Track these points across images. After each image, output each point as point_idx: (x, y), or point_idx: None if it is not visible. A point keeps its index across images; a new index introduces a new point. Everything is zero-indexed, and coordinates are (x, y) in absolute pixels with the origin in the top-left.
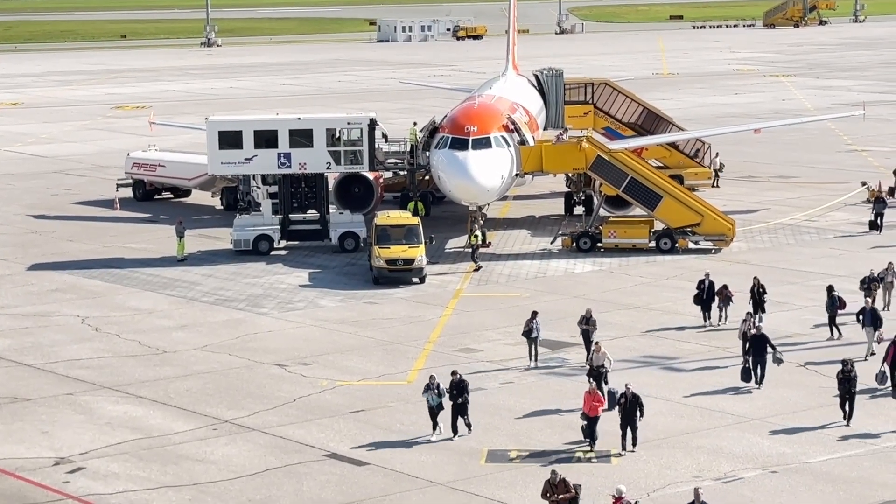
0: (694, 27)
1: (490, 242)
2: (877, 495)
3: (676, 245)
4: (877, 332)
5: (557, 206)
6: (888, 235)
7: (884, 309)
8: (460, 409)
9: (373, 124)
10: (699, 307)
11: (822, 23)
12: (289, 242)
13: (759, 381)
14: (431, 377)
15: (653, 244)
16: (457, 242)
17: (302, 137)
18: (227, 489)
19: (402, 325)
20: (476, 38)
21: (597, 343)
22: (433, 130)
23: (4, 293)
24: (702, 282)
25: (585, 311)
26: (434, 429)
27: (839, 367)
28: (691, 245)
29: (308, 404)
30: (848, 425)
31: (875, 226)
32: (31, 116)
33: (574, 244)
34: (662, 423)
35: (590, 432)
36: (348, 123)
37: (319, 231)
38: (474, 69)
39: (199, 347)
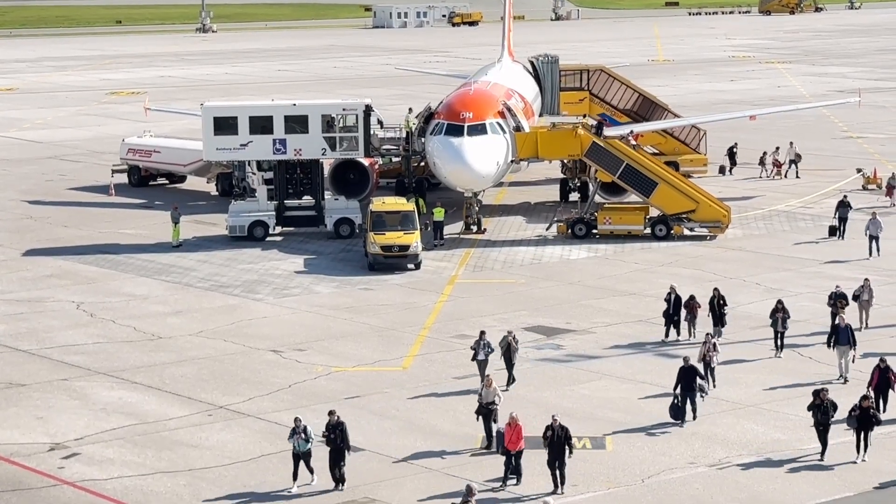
0: (689, 14)
1: (485, 229)
2: (870, 481)
3: (672, 232)
4: (852, 352)
5: (553, 193)
6: (846, 247)
7: (861, 328)
8: (339, 456)
9: (368, 110)
10: (665, 320)
11: (817, 9)
12: (284, 228)
13: (693, 416)
14: (297, 420)
15: (648, 231)
16: (452, 229)
17: (297, 123)
18: (222, 475)
19: (398, 312)
20: (471, 24)
21: (488, 377)
22: (428, 117)
23: None
24: (668, 294)
25: (507, 331)
26: (294, 478)
27: (815, 396)
28: (686, 232)
29: (303, 390)
30: (822, 460)
31: (835, 231)
32: (26, 102)
33: (569, 230)
34: (657, 409)
35: (514, 468)
36: (344, 109)
37: (315, 217)
38: (470, 55)
39: (194, 333)
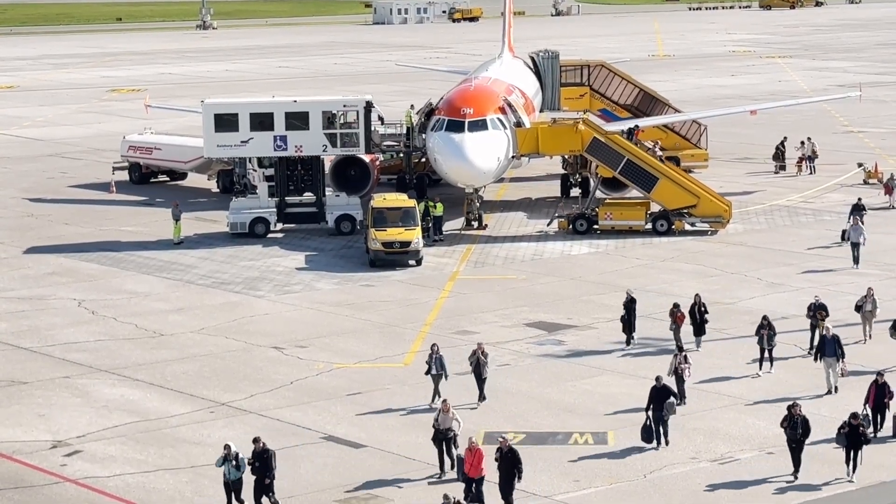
0: (690, 9)
1: (486, 225)
2: (873, 476)
3: (673, 227)
4: (840, 365)
5: (554, 189)
6: (827, 255)
7: (864, 340)
8: (264, 487)
9: (369, 107)
10: (622, 327)
11: (818, 4)
12: (285, 225)
13: (665, 440)
14: (227, 447)
15: (649, 226)
16: (453, 225)
17: (298, 120)
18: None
19: (399, 308)
20: (472, 20)
21: (444, 401)
22: (429, 112)
23: (1, 276)
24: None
25: (476, 345)
26: None
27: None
28: (688, 227)
29: (305, 387)
30: (796, 478)
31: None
32: (27, 100)
33: (570, 226)
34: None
35: (476, 496)
36: (344, 106)
37: (316, 214)
38: (470, 51)
39: (195, 330)
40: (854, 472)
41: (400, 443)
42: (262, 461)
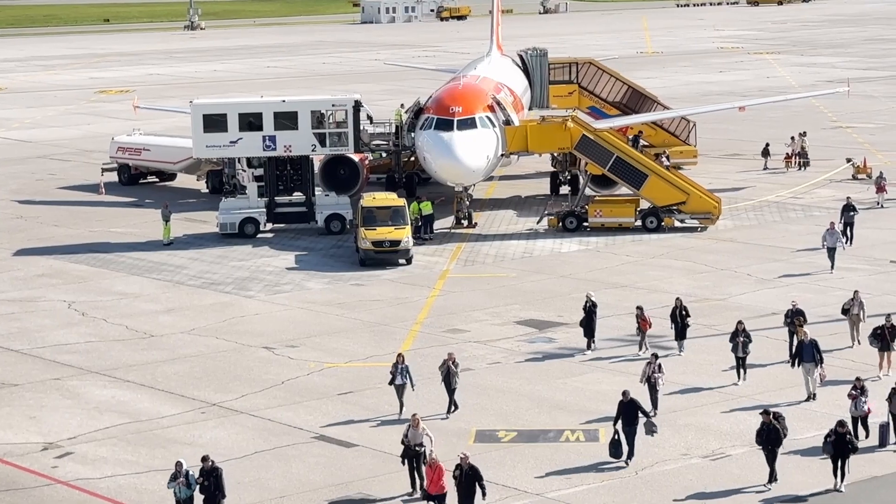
0: (678, 6)
1: (476, 223)
2: (865, 471)
3: (662, 223)
4: (818, 370)
5: (543, 186)
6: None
7: (853, 345)
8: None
9: (357, 106)
10: (583, 330)
11: (805, 0)
12: (275, 225)
13: (629, 457)
14: (178, 464)
15: (639, 223)
16: (443, 223)
17: (287, 120)
18: None
19: (389, 307)
20: (460, 18)
21: (414, 415)
22: (418, 111)
23: None
24: (585, 303)
25: (447, 354)
26: None
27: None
28: (677, 223)
29: (296, 387)
30: (769, 485)
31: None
32: (15, 101)
33: (560, 224)
34: (650, 401)
35: None
36: (333, 105)
37: (305, 213)
38: (458, 50)
39: (186, 331)
40: (842, 481)
41: (391, 441)
42: (212, 479)
